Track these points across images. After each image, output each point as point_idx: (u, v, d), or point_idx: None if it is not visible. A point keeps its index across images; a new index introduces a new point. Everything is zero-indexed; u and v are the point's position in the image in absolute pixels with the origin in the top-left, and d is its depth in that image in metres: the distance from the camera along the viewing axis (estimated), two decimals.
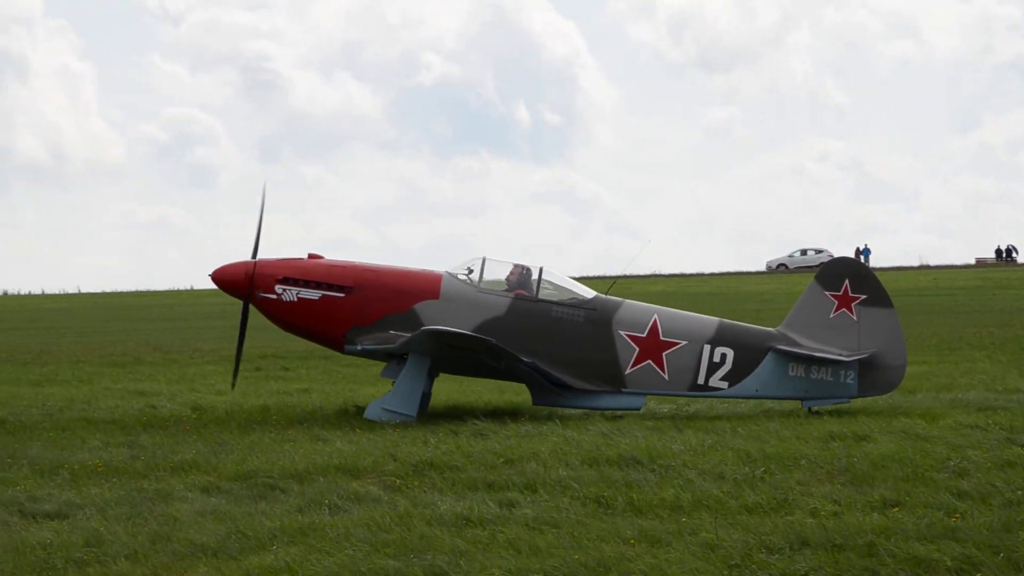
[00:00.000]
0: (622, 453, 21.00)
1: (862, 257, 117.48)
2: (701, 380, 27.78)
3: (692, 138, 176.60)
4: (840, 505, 17.13)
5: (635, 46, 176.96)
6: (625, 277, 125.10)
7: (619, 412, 27.97)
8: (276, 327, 29.01)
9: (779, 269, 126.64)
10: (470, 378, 31.17)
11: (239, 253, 28.52)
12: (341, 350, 28.26)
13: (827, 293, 28.05)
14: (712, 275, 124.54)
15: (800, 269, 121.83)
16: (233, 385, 30.41)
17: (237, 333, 28.84)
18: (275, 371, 42.19)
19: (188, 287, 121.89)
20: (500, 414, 27.56)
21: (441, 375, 29.35)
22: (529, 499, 17.90)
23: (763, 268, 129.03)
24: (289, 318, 28.19)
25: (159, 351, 52.68)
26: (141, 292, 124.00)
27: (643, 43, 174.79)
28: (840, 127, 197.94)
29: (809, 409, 27.81)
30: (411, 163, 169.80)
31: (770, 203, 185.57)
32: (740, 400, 28.39)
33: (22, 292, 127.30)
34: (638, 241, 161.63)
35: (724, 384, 27.80)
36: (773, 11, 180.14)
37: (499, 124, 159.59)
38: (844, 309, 27.92)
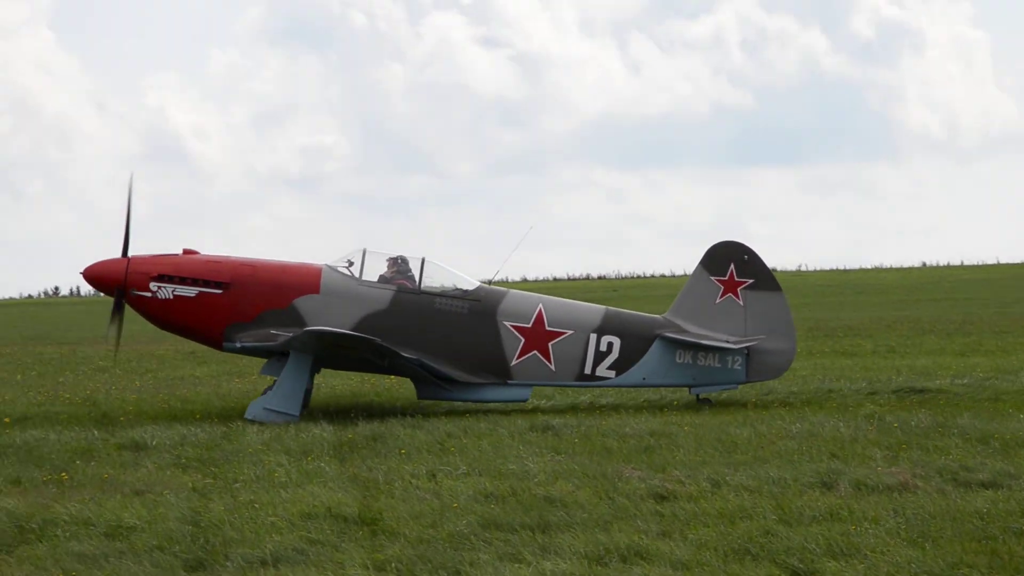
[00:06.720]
0: None
1: None
2: (588, 370, 27.39)
3: None
4: None
5: None
6: None
7: (507, 405, 27.27)
8: (153, 326, 28.07)
9: None
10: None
11: None
12: (220, 348, 27.37)
13: (713, 278, 27.66)
14: None
15: None
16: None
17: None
18: None
19: None
20: None
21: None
22: None
23: None
24: (165, 316, 27.34)
25: None
26: None
27: None
28: None
29: (697, 397, 27.67)
30: None
31: None
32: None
33: (940, 264, 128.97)
34: None
35: (611, 373, 27.43)
36: None
37: None
38: (730, 294, 27.47)
